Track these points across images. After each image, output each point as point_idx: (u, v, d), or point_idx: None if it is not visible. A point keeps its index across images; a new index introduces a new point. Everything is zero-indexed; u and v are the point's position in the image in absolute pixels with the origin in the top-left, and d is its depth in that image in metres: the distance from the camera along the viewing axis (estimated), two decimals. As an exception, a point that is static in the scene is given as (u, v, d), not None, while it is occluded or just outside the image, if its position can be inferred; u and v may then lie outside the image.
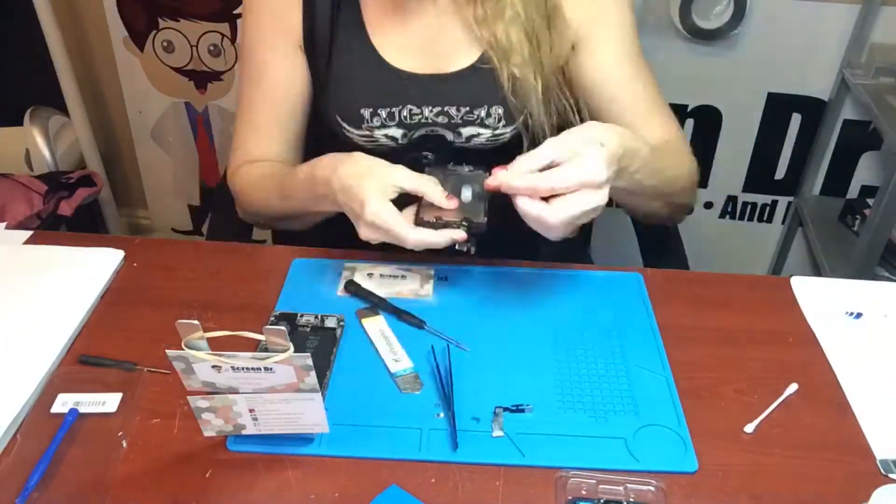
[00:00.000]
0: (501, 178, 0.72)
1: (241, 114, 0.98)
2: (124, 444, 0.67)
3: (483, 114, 0.93)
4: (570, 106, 0.95)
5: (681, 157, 0.94)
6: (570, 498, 0.64)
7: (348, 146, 0.95)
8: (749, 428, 0.71)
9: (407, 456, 0.67)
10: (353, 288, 0.85)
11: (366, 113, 0.93)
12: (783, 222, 1.99)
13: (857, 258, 1.53)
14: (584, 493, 0.64)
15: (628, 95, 0.94)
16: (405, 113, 0.93)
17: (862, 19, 1.65)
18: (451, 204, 0.77)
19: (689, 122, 1.85)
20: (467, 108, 0.93)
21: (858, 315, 0.86)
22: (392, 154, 0.94)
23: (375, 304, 0.83)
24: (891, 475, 0.68)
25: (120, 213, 2.13)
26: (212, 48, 1.89)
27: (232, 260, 0.90)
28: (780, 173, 1.92)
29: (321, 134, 0.99)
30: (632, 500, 0.64)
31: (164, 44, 1.89)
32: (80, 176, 1.84)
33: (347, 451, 0.67)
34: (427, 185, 0.77)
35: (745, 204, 1.97)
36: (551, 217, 0.71)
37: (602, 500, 0.64)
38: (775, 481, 0.67)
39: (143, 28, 1.87)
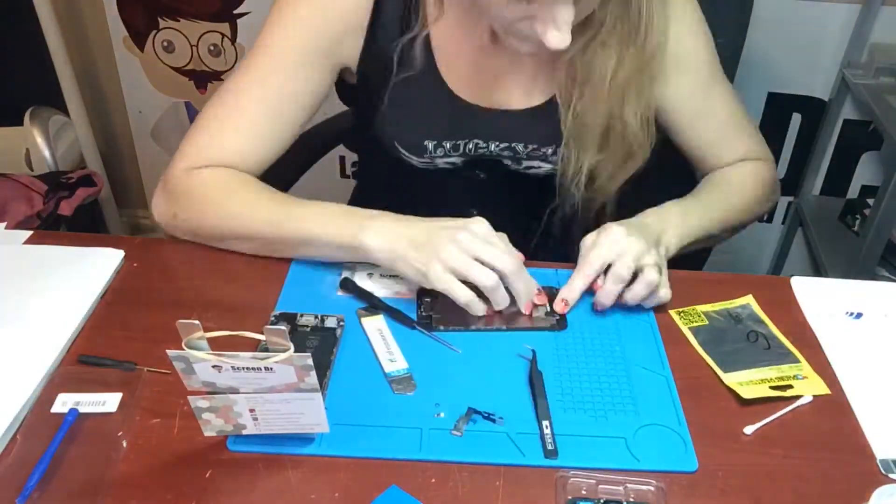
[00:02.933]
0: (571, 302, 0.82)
1: (228, 108, 0.88)
2: (124, 444, 0.67)
3: (549, 151, 0.93)
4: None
5: (739, 185, 0.98)
6: (570, 498, 0.64)
7: (403, 164, 0.95)
8: (749, 430, 0.71)
9: (407, 456, 0.67)
10: (349, 286, 0.85)
11: (429, 145, 0.91)
12: (783, 222, 1.99)
13: (857, 258, 1.53)
14: (584, 493, 0.64)
15: (702, 121, 0.97)
16: (470, 146, 0.93)
17: (862, 19, 1.65)
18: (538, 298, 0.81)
19: (690, 122, 1.85)
20: (534, 146, 0.93)
21: (858, 315, 0.86)
22: (447, 172, 0.96)
23: (372, 304, 0.83)
24: (891, 475, 0.68)
25: (120, 213, 2.13)
26: (212, 48, 1.89)
27: (232, 260, 0.90)
28: (780, 173, 1.92)
29: (381, 160, 0.97)
30: (632, 500, 0.64)
31: (165, 44, 1.89)
32: (81, 176, 1.84)
33: (347, 451, 0.67)
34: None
35: (745, 204, 1.97)
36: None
37: (602, 500, 0.64)
38: (775, 481, 0.67)
39: (143, 28, 1.88)
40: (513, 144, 0.92)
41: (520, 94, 0.91)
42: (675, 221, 0.87)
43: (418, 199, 0.93)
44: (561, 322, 0.82)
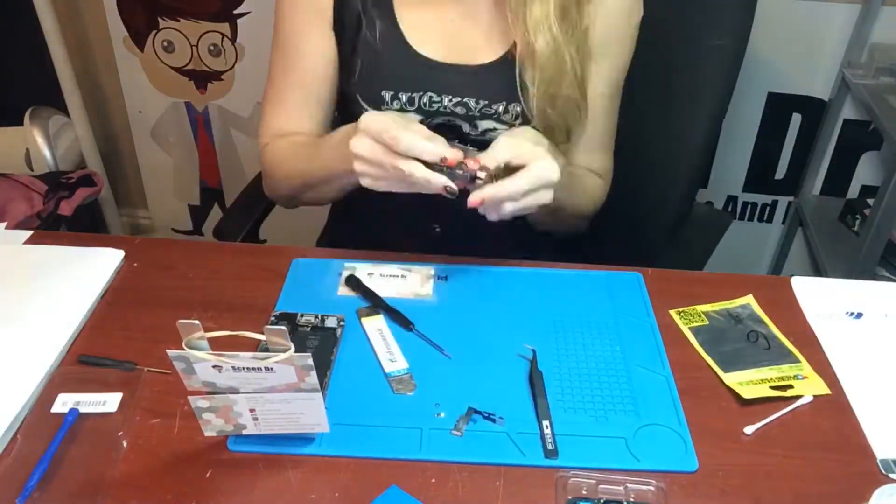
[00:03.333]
0: (482, 195, 0.77)
1: (270, 89, 1.00)
2: (124, 444, 0.67)
3: (501, 109, 0.94)
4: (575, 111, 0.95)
5: (592, 191, 1.01)
6: (570, 498, 0.64)
7: None
8: (749, 430, 0.71)
9: (407, 456, 0.67)
10: (353, 283, 0.85)
11: (386, 95, 0.93)
12: (783, 222, 1.99)
13: (857, 258, 1.53)
14: (584, 493, 0.64)
15: (593, 125, 0.98)
16: (424, 100, 0.94)
17: (862, 19, 1.65)
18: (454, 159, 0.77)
19: (690, 122, 1.85)
20: (486, 102, 0.94)
21: (858, 315, 0.86)
22: None
23: (373, 303, 0.83)
24: (891, 475, 0.68)
25: (120, 213, 2.13)
26: (212, 48, 1.89)
27: (232, 260, 0.90)
28: (780, 173, 1.92)
29: (348, 116, 0.99)
30: (632, 499, 0.64)
31: (165, 44, 1.89)
32: (81, 176, 1.84)
33: (348, 450, 0.67)
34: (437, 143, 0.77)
35: (745, 204, 1.97)
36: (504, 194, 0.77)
37: (602, 500, 0.64)
38: (775, 481, 0.67)
39: (143, 28, 1.88)
40: (465, 99, 0.94)
41: (475, 49, 0.94)
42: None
43: None
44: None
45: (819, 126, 1.81)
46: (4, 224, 0.94)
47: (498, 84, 0.93)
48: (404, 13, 0.93)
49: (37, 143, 1.89)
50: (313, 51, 0.95)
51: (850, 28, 1.67)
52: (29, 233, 0.92)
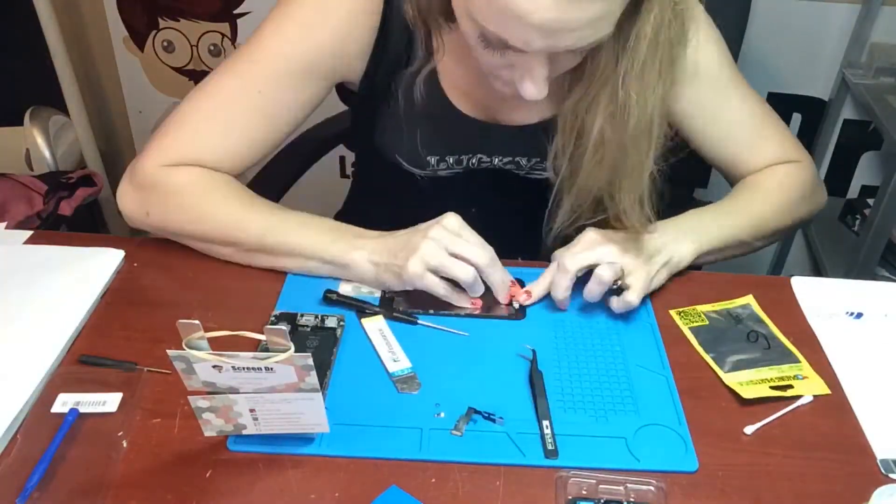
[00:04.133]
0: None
1: (209, 100, 0.84)
2: (124, 444, 0.67)
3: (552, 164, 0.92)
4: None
5: (766, 191, 0.94)
6: (570, 498, 0.64)
7: (404, 175, 0.94)
8: (749, 430, 0.71)
9: (407, 456, 0.67)
10: (333, 296, 0.83)
11: (432, 160, 0.92)
12: (783, 222, 1.99)
13: (857, 258, 1.53)
14: (584, 493, 0.64)
15: (724, 125, 0.94)
16: (474, 161, 0.93)
17: (862, 19, 1.65)
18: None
19: (690, 122, 1.85)
20: (538, 159, 0.93)
21: (858, 315, 0.86)
22: (447, 180, 0.96)
23: (362, 309, 0.82)
24: (891, 475, 0.68)
25: (120, 213, 2.13)
26: (212, 48, 1.89)
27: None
28: (779, 173, 1.92)
29: (371, 154, 0.96)
30: (632, 499, 0.64)
31: (165, 44, 1.89)
32: (81, 176, 1.84)
33: (348, 450, 0.67)
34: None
35: (745, 204, 1.97)
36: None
37: (602, 500, 0.64)
38: (775, 481, 0.67)
39: (143, 28, 1.88)
40: (516, 159, 0.93)
41: (524, 112, 0.91)
42: (688, 227, 0.87)
43: (417, 201, 0.92)
44: (519, 312, 0.83)
45: (819, 126, 1.81)
46: (4, 224, 0.94)
47: (548, 142, 0.90)
48: (448, 80, 0.88)
49: (37, 143, 1.89)
50: (299, 100, 0.85)
51: (850, 28, 1.67)
52: (29, 233, 0.92)
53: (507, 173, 0.96)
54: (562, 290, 0.82)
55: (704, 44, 0.89)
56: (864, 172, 1.88)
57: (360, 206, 1.16)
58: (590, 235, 0.83)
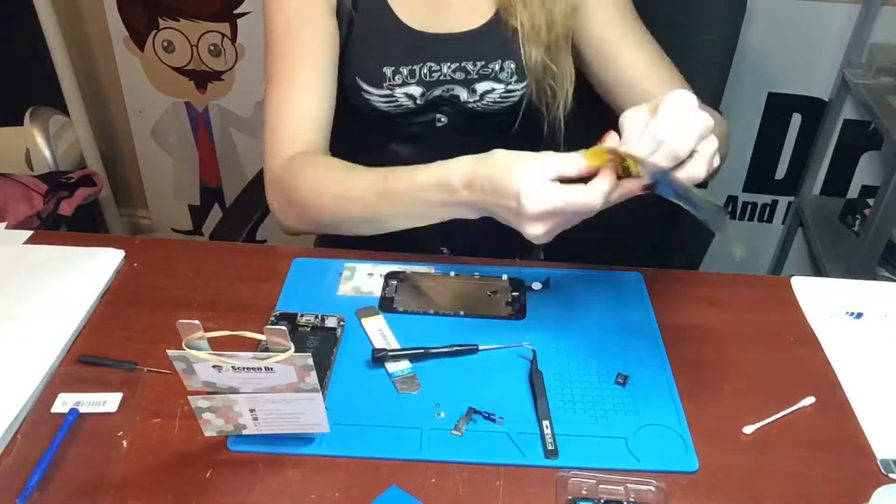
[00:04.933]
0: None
1: (278, 76, 0.91)
2: (124, 444, 0.67)
3: (497, 68, 0.97)
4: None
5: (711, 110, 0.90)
6: (570, 498, 0.64)
7: (365, 109, 0.97)
8: (749, 430, 0.71)
9: (407, 456, 0.67)
10: (380, 354, 0.77)
11: (388, 71, 0.95)
12: (783, 222, 1.99)
13: (857, 258, 1.53)
14: (584, 493, 0.64)
15: (630, 48, 0.96)
16: (425, 70, 0.96)
17: (862, 19, 1.65)
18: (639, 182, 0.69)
19: (690, 122, 1.85)
20: (483, 63, 0.97)
21: (858, 315, 0.86)
22: (408, 115, 0.99)
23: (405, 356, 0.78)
24: (891, 475, 0.68)
25: (120, 213, 2.13)
26: (212, 48, 1.89)
27: (232, 260, 0.90)
28: (780, 173, 1.92)
29: (346, 105, 0.98)
30: (632, 499, 0.64)
31: (165, 44, 1.89)
32: (81, 176, 1.85)
33: (348, 451, 0.67)
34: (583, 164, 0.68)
35: (745, 204, 1.97)
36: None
37: (602, 500, 0.64)
38: (775, 481, 0.67)
39: (143, 28, 1.88)
40: (463, 64, 0.96)
41: (463, 16, 0.97)
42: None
43: (385, 156, 0.97)
44: (519, 312, 0.83)
45: (819, 126, 1.81)
46: (4, 224, 0.94)
47: (491, 44, 0.97)
48: None
49: (37, 143, 1.89)
50: (321, 33, 0.92)
51: (850, 28, 1.67)
52: (29, 233, 0.92)
53: (463, 108, 0.99)
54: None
55: None
56: (864, 172, 1.88)
57: None
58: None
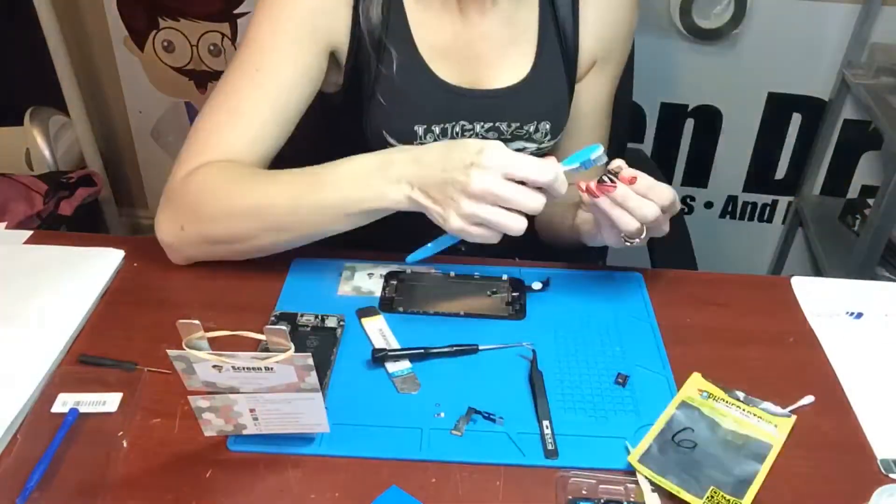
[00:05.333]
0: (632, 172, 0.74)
1: (222, 108, 0.85)
2: (124, 443, 0.67)
3: (532, 129, 0.95)
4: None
5: None
6: (570, 498, 0.64)
7: None
8: (749, 428, 0.71)
9: (407, 456, 0.67)
10: (380, 354, 0.76)
11: (419, 130, 0.92)
12: (783, 222, 1.99)
13: (857, 258, 1.53)
14: (584, 493, 0.64)
15: (591, 127, 1.02)
16: (457, 129, 0.93)
17: (862, 19, 1.65)
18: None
19: (690, 122, 1.86)
20: (518, 125, 0.94)
21: (859, 315, 0.86)
22: None
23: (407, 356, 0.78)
24: (891, 475, 0.68)
25: (120, 213, 2.13)
26: (212, 48, 1.89)
27: (232, 260, 0.90)
28: (780, 173, 1.92)
29: (349, 147, 0.92)
30: (632, 499, 0.64)
31: (165, 44, 1.89)
32: (81, 176, 1.85)
33: (348, 450, 0.67)
34: (533, 164, 0.71)
35: (745, 204, 1.97)
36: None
37: (602, 500, 0.64)
38: (776, 481, 0.67)
39: (143, 28, 1.88)
40: (497, 124, 0.94)
41: (497, 73, 0.93)
42: None
43: None
44: (519, 312, 0.83)
45: (819, 126, 1.82)
46: (4, 224, 0.94)
47: (528, 104, 0.93)
48: (424, 44, 0.89)
49: (37, 143, 1.89)
50: (301, 70, 0.85)
51: (850, 28, 1.67)
52: (29, 233, 0.92)
53: None
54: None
55: (628, 30, 0.99)
56: (864, 172, 1.88)
57: None
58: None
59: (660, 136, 1.87)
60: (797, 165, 1.89)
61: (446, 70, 0.91)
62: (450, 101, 0.92)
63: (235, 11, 1.83)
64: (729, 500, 0.63)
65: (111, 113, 2.06)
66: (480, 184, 0.70)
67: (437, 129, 0.92)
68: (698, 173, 1.93)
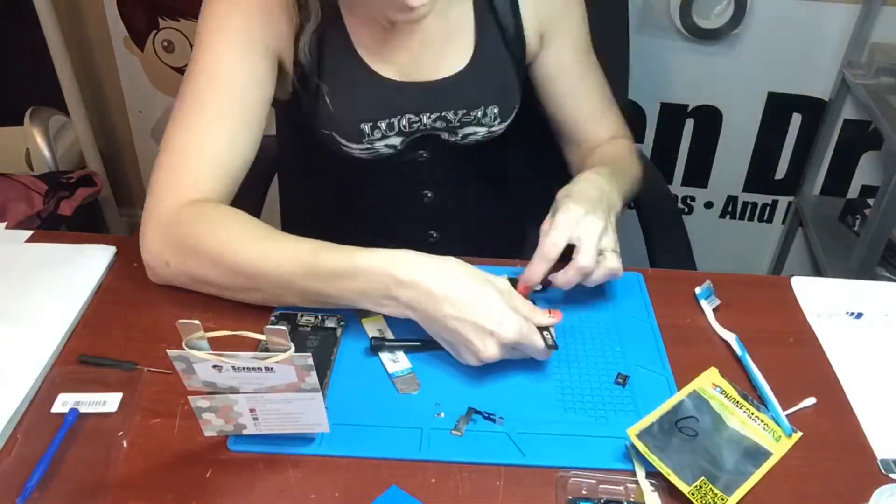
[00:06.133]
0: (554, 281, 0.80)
1: (184, 124, 0.84)
2: (124, 444, 0.67)
3: (479, 114, 0.96)
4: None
5: (631, 161, 1.03)
6: (570, 498, 0.64)
7: (345, 159, 0.95)
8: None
9: (407, 456, 0.67)
10: (377, 343, 0.78)
11: (366, 127, 0.92)
12: (783, 222, 1.99)
13: (857, 258, 1.53)
14: (584, 493, 0.64)
15: (582, 92, 1.04)
16: (404, 122, 0.94)
17: (862, 19, 1.65)
18: (554, 318, 0.75)
19: (689, 122, 1.86)
20: (464, 111, 0.95)
21: (859, 315, 0.86)
22: (390, 159, 0.97)
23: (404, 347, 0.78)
24: (891, 475, 0.68)
25: (120, 213, 2.13)
26: (212, 48, 1.88)
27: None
28: (780, 173, 1.92)
29: (315, 151, 0.97)
30: (632, 499, 0.64)
31: (165, 43, 1.89)
32: (81, 176, 1.84)
33: (348, 450, 0.67)
34: (533, 310, 0.75)
35: (745, 204, 1.97)
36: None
37: (602, 500, 0.64)
38: (776, 481, 0.67)
39: (143, 28, 1.88)
40: (443, 113, 0.95)
41: (437, 64, 0.94)
42: (608, 189, 0.87)
43: (367, 194, 1.00)
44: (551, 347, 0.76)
45: (819, 126, 1.81)
46: (4, 224, 0.94)
47: (472, 90, 0.95)
48: (361, 43, 0.91)
49: (37, 143, 1.89)
50: (250, 79, 0.86)
51: (850, 28, 1.67)
52: (29, 233, 0.92)
53: (444, 143, 0.98)
54: (571, 284, 0.80)
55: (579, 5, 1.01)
56: (864, 172, 1.88)
57: (303, 216, 1.17)
58: (571, 207, 0.80)
59: (660, 136, 1.87)
60: (797, 165, 1.89)
61: (385, 67, 0.92)
62: (392, 96, 0.93)
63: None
64: (716, 495, 0.63)
65: (111, 113, 2.06)
66: (493, 350, 0.72)
67: (383, 125, 0.93)
68: (698, 173, 1.93)
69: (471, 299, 0.71)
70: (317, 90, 0.91)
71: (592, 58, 1.04)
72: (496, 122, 0.97)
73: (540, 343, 0.73)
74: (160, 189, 0.82)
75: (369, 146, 0.94)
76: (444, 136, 0.97)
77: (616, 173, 0.92)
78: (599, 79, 1.05)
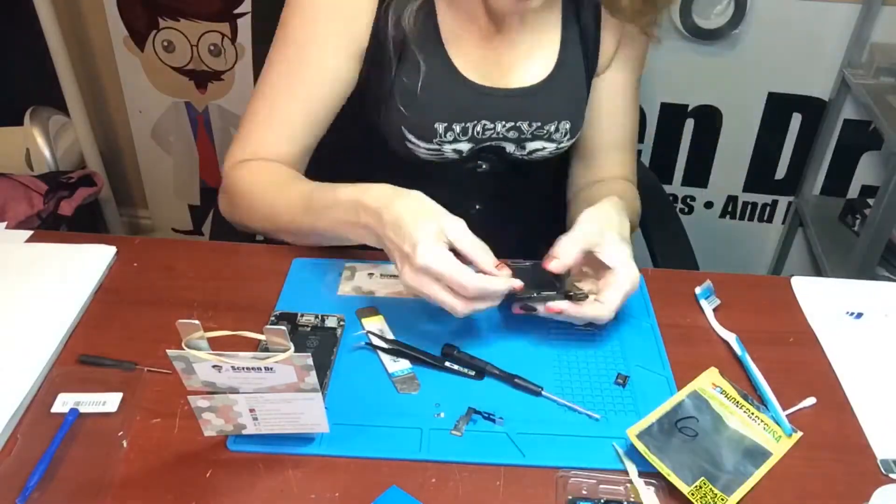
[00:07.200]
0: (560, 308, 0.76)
1: (262, 102, 0.91)
2: (124, 444, 0.67)
3: (552, 129, 0.95)
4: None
5: (632, 202, 1.01)
6: (570, 498, 0.64)
7: (407, 158, 0.94)
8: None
9: (407, 456, 0.67)
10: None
11: (440, 128, 0.92)
12: (783, 222, 1.99)
13: (857, 258, 1.53)
14: (584, 493, 0.64)
15: (619, 119, 1.03)
16: (478, 128, 0.93)
17: (862, 19, 1.65)
18: (503, 273, 0.72)
19: (689, 122, 1.85)
20: (539, 124, 0.95)
21: (859, 315, 0.86)
22: (449, 164, 0.96)
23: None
24: (891, 475, 0.68)
25: (120, 213, 2.13)
26: (212, 48, 1.88)
27: (232, 260, 0.90)
28: (780, 173, 1.92)
29: (369, 145, 0.96)
30: (632, 499, 0.64)
31: (165, 44, 1.89)
32: (81, 176, 1.84)
33: (348, 450, 0.67)
34: (480, 251, 0.73)
35: (745, 204, 1.97)
36: (607, 314, 0.76)
37: (602, 500, 0.64)
38: (776, 481, 0.67)
39: (143, 28, 1.87)
40: (518, 123, 0.94)
41: (520, 72, 0.94)
42: (620, 222, 0.84)
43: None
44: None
45: (819, 126, 1.81)
46: (4, 224, 0.94)
47: (549, 104, 0.94)
48: (451, 42, 0.90)
49: (37, 143, 1.89)
50: (330, 74, 0.89)
51: (850, 28, 1.67)
52: (29, 233, 0.92)
53: (508, 157, 0.97)
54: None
55: (642, 38, 1.00)
56: (864, 172, 1.88)
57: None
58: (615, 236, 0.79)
59: (660, 136, 1.87)
60: (797, 165, 1.89)
61: (469, 68, 0.92)
62: (473, 100, 0.92)
63: (235, 11, 1.83)
64: (716, 495, 0.63)
65: (111, 113, 2.06)
66: (406, 278, 0.72)
67: (457, 128, 0.92)
68: (698, 173, 1.93)
69: (405, 226, 0.72)
70: (391, 85, 0.90)
71: (638, 94, 1.04)
72: (566, 139, 0.96)
73: (470, 282, 0.70)
74: (230, 152, 0.92)
75: (437, 147, 0.93)
76: (511, 148, 0.96)
77: (623, 208, 0.89)
78: (636, 117, 1.05)
